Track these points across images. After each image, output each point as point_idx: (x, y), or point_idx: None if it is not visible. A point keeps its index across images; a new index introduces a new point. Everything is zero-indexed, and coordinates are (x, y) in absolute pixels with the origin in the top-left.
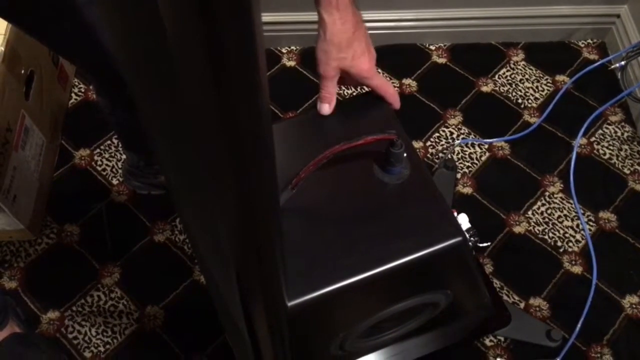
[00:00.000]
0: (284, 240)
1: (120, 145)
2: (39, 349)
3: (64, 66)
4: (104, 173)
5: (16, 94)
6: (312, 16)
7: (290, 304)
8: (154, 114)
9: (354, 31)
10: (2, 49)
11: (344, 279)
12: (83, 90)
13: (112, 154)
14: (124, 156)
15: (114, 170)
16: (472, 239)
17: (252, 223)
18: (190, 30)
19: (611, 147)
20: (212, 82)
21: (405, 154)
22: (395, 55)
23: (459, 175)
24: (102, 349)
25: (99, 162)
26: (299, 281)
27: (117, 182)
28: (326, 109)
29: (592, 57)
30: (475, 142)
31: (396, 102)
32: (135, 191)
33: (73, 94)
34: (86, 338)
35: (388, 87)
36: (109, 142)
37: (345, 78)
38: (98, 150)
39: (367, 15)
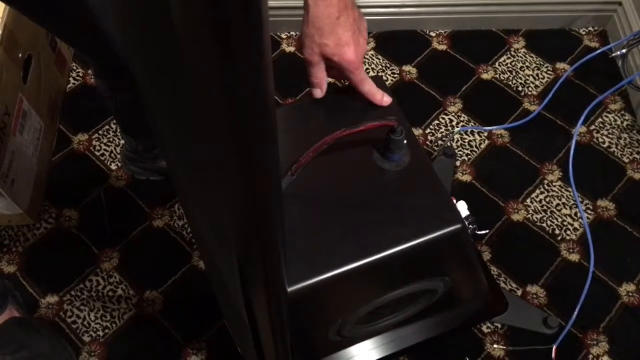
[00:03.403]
0: (284, 226)
1: (118, 130)
2: (39, 333)
3: (62, 50)
4: (103, 158)
5: (14, 77)
6: None
7: (290, 289)
8: (158, 98)
9: (338, 16)
10: (0, 32)
11: (343, 265)
12: (81, 75)
13: (111, 139)
14: (122, 141)
15: (112, 155)
16: (470, 226)
17: (254, 208)
18: (197, 12)
19: (610, 136)
20: (218, 65)
21: (405, 141)
22: (395, 42)
23: (458, 163)
24: (101, 333)
25: (98, 147)
26: (299, 267)
27: (116, 167)
28: (318, 93)
29: (592, 45)
30: (474, 130)
31: (377, 102)
32: (134, 176)
33: (71, 79)
34: (85, 322)
35: (366, 85)
36: (107, 126)
37: (330, 68)
38: (96, 135)
39: (367, 0)
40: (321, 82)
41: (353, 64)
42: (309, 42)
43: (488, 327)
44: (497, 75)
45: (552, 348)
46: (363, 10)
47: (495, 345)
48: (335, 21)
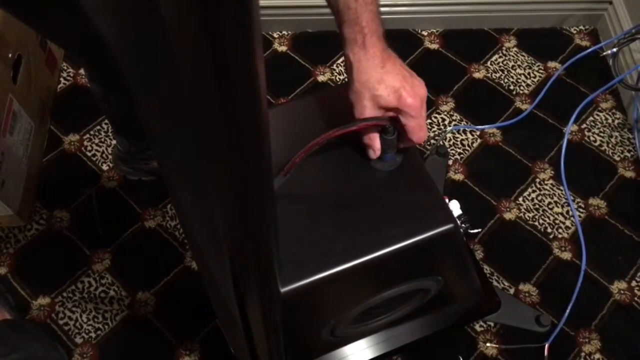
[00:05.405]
0: (277, 226)
1: (110, 130)
2: (30, 335)
3: (52, 50)
4: (94, 158)
5: (4, 78)
6: (305, 0)
7: (283, 290)
8: (151, 102)
9: (383, 66)
10: None
11: (337, 265)
12: (72, 75)
13: (102, 139)
14: (114, 141)
15: (103, 155)
16: (463, 225)
17: (246, 208)
18: (188, 12)
19: (602, 134)
20: (210, 66)
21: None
22: (387, 41)
23: (450, 162)
24: (93, 334)
25: (89, 148)
26: (292, 268)
27: (107, 167)
28: (372, 154)
29: (584, 43)
30: (467, 129)
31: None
32: (126, 177)
33: (62, 79)
34: (77, 324)
35: (415, 136)
36: (98, 127)
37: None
38: (88, 135)
39: None
40: (374, 142)
41: (412, 108)
42: (360, 101)
43: (481, 326)
44: (489, 74)
45: (544, 346)
46: None
47: (488, 344)
48: (381, 71)
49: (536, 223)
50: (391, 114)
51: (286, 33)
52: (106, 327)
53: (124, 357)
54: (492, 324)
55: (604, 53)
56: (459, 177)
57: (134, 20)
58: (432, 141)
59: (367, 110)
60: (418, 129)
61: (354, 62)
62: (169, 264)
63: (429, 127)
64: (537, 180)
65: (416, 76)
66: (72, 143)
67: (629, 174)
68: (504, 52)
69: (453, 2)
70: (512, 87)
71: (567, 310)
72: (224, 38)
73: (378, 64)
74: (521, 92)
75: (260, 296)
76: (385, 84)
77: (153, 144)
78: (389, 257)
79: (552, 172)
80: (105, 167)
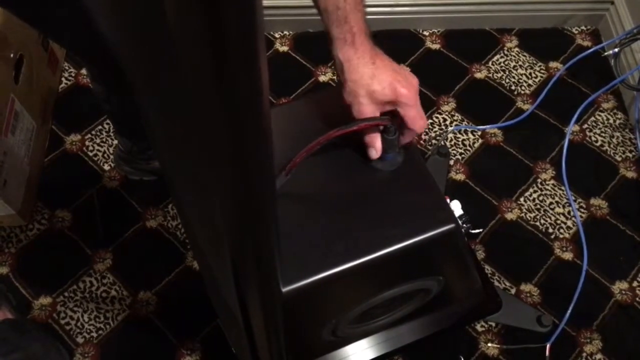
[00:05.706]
0: (279, 226)
1: (111, 130)
2: (32, 335)
3: (53, 50)
4: (95, 158)
5: (5, 77)
6: (306, 0)
7: (284, 289)
8: (152, 102)
9: (374, 62)
10: None
11: (338, 265)
12: (73, 75)
13: (104, 139)
14: (115, 141)
15: (105, 155)
16: (464, 225)
17: (248, 208)
18: (191, 11)
19: (603, 134)
20: (213, 65)
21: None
22: (388, 41)
23: (452, 162)
24: (94, 334)
25: (90, 148)
26: (293, 267)
27: (109, 167)
28: (373, 153)
29: (585, 43)
30: (468, 129)
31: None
32: (127, 177)
33: (63, 79)
34: (78, 324)
35: (417, 124)
36: (100, 127)
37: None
38: (89, 135)
39: None
40: (376, 142)
41: (408, 97)
42: (356, 99)
43: (482, 326)
44: (490, 75)
45: (546, 346)
46: None
47: (489, 344)
48: (372, 67)
49: (537, 223)
50: (389, 108)
51: (287, 33)
52: (107, 326)
53: (125, 356)
54: (493, 324)
55: (606, 53)
56: (460, 177)
57: (135, 18)
58: (434, 141)
59: (365, 107)
60: (418, 117)
61: (344, 62)
62: (170, 264)
63: (429, 127)
64: (539, 180)
65: (405, 68)
66: (74, 143)
67: (631, 174)
68: (506, 52)
69: (454, 2)
70: (513, 87)
71: (569, 311)
72: (227, 37)
73: (369, 61)
74: (522, 92)
75: (261, 296)
76: (379, 78)
77: (154, 143)
78: (390, 257)
79: (554, 172)
80: (106, 167)
